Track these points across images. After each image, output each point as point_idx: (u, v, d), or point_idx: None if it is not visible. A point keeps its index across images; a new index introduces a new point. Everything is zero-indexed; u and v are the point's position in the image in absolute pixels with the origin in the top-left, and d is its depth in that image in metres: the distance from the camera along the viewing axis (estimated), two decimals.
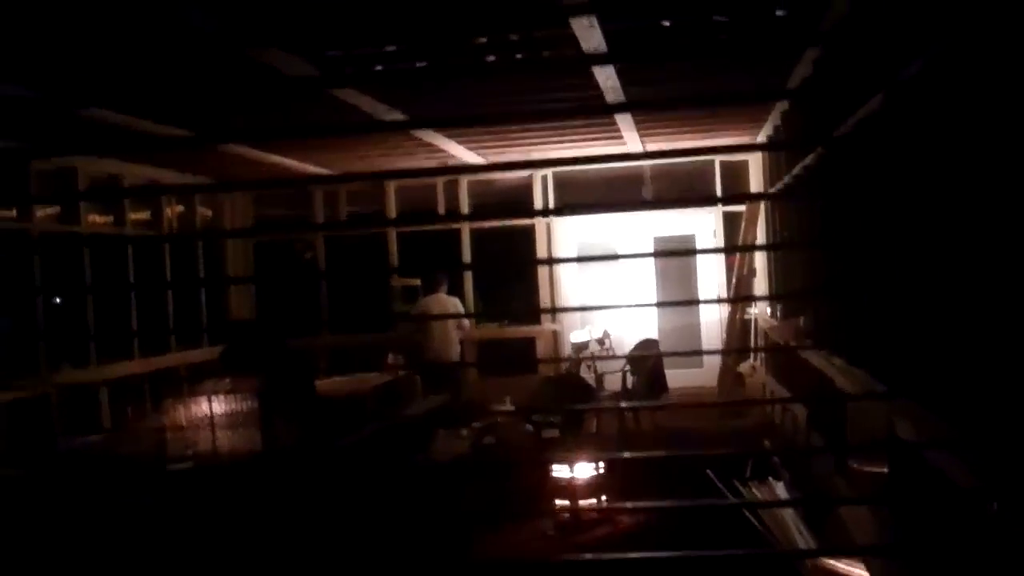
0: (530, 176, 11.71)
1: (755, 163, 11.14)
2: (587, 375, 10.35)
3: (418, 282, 11.31)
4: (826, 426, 6.44)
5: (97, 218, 9.42)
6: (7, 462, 7.18)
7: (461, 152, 10.17)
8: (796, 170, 8.16)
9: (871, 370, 4.84)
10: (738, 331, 11.26)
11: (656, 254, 12.61)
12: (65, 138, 7.76)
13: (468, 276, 11.68)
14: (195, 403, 6.41)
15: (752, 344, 11.13)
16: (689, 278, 12.13)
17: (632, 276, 11.83)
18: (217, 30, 5.05)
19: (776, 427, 8.90)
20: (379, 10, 5.22)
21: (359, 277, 12.72)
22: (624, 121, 8.80)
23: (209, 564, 5.11)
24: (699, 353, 11.88)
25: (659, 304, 11.70)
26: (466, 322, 10.57)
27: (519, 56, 6.51)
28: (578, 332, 10.94)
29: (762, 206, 10.50)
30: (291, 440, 6.42)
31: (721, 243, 11.75)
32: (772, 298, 9.99)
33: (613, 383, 10.44)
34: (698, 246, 12.06)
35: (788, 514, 5.62)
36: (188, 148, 9.06)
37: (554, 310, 11.94)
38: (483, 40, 6.19)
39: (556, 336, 11.79)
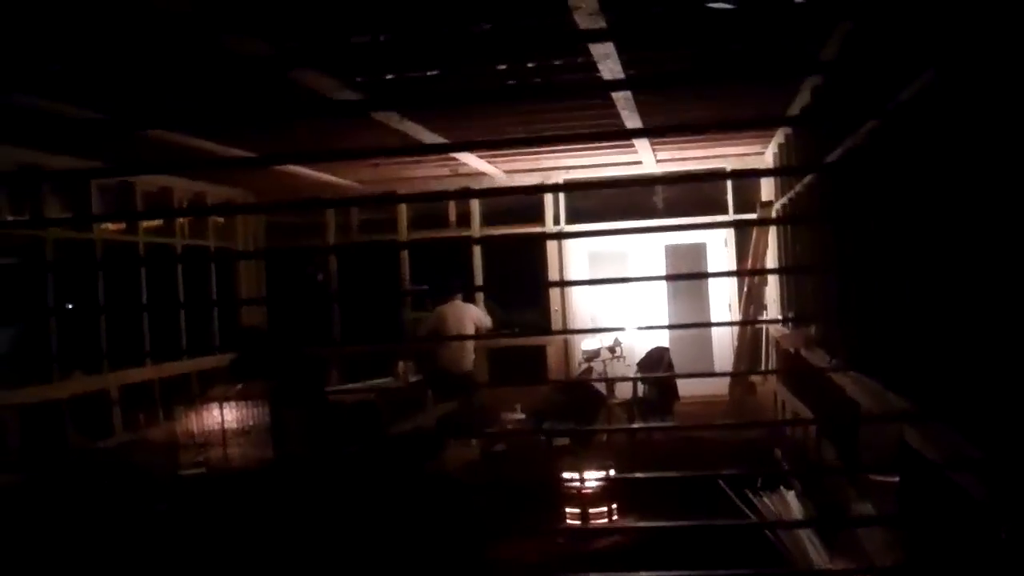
0: (541, 184, 11.72)
1: None
2: (597, 383, 10.34)
3: (426, 287, 11.32)
4: (837, 434, 6.43)
5: (109, 225, 9.45)
6: (19, 467, 7.21)
7: (473, 160, 10.20)
8: (798, 187, 8.25)
9: (883, 379, 4.83)
10: (749, 339, 11.23)
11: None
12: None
13: (480, 282, 11.69)
14: (207, 410, 6.42)
15: (763, 352, 11.10)
16: (700, 285, 12.11)
17: (643, 284, 11.84)
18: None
19: (786, 435, 8.87)
20: (410, 35, 5.59)
21: (371, 296, 12.76)
22: (639, 143, 8.88)
23: (220, 570, 5.12)
24: (715, 375, 11.86)
25: (671, 327, 11.67)
26: (486, 321, 10.52)
27: (537, 80, 6.68)
28: (589, 340, 10.93)
29: (773, 214, 10.48)
30: (302, 447, 6.42)
31: (732, 251, 11.75)
32: (787, 320, 9.96)
33: (624, 391, 10.42)
34: (709, 254, 12.04)
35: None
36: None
37: (567, 332, 11.90)
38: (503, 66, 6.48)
39: (567, 344, 11.79)
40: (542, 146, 9.55)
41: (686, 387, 10.54)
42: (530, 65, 6.43)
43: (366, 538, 5.35)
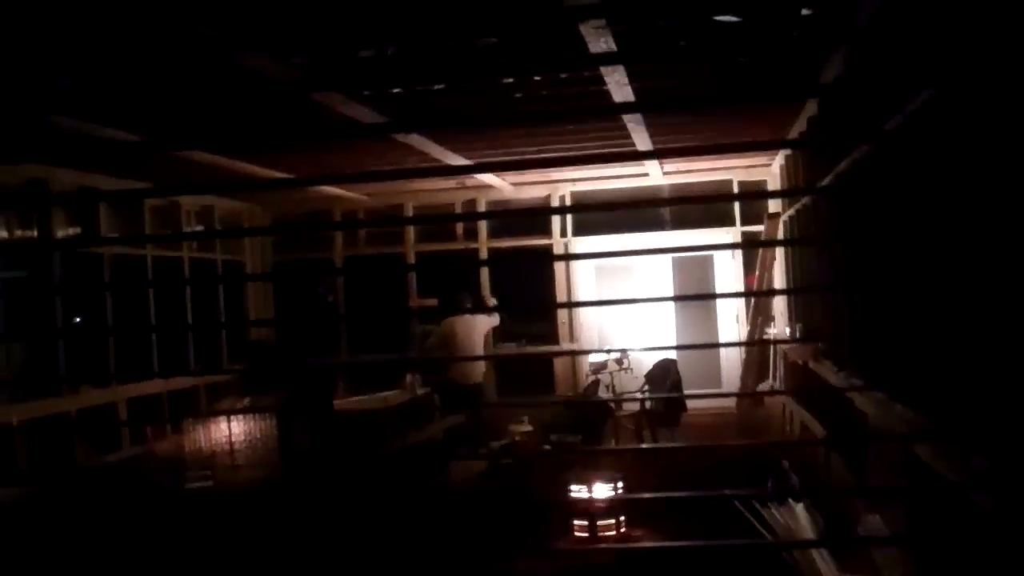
0: (548, 197, 11.74)
1: (773, 182, 11.13)
2: (605, 395, 10.33)
3: (435, 302, 11.32)
4: (845, 446, 6.42)
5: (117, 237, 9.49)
6: (28, 481, 7.22)
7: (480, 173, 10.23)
8: (805, 199, 8.30)
9: (891, 391, 4.83)
10: (757, 350, 11.21)
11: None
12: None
13: (487, 291, 11.68)
14: (214, 423, 6.43)
15: (771, 363, 11.08)
16: (708, 302, 12.11)
17: (650, 294, 11.83)
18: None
19: (795, 447, 8.84)
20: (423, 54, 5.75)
21: (378, 314, 12.77)
22: (644, 146, 8.91)
23: None
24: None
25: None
26: (494, 321, 10.51)
27: (544, 92, 6.75)
28: (597, 351, 10.92)
29: (780, 226, 10.48)
30: (309, 460, 6.43)
31: (739, 261, 11.73)
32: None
33: (631, 402, 10.40)
34: (716, 264, 12.02)
35: (808, 535, 5.59)
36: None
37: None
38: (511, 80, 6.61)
39: (574, 356, 11.77)
40: (556, 166, 9.67)
41: (693, 399, 10.53)
42: (537, 78, 6.49)
43: (373, 550, 5.35)
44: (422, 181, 11.00)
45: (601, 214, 11.91)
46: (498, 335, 11.37)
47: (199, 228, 10.90)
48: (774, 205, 11.01)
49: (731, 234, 11.61)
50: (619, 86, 6.14)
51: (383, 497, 6.01)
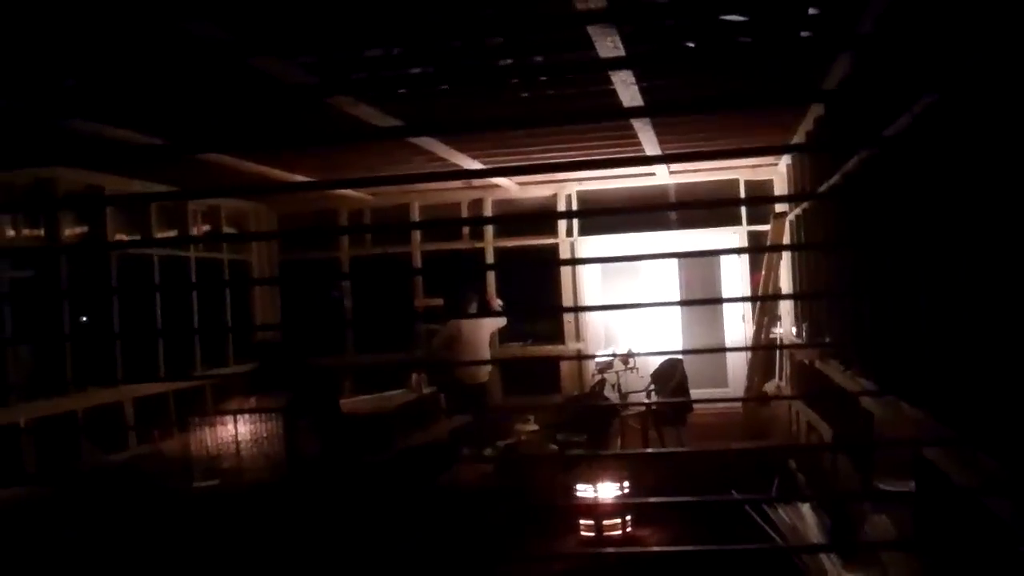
0: (554, 196, 11.74)
1: (780, 182, 11.12)
2: (611, 394, 10.31)
3: (441, 302, 11.33)
4: (852, 446, 6.40)
5: (123, 236, 9.48)
6: (34, 480, 7.23)
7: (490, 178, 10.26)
8: (804, 205, 8.32)
9: (899, 391, 4.81)
10: (763, 352, 11.19)
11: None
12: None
13: (492, 290, 11.67)
14: (220, 422, 6.43)
15: (777, 362, 11.06)
16: (714, 295, 12.08)
17: (656, 289, 11.85)
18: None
19: (801, 448, 8.83)
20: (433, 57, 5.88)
21: (386, 315, 12.80)
22: (651, 146, 8.94)
23: None
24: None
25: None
26: (500, 321, 10.53)
27: (551, 92, 6.77)
28: (602, 350, 10.91)
29: (787, 226, 10.46)
30: (316, 459, 6.43)
31: (746, 262, 11.71)
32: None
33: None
34: (722, 264, 12.01)
35: (814, 535, 5.58)
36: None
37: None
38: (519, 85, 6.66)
39: (580, 355, 11.77)
40: (564, 171, 9.73)
41: (699, 398, 10.52)
42: (543, 77, 6.53)
43: (379, 550, 5.34)
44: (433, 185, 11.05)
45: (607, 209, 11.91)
46: (504, 334, 11.38)
47: (206, 228, 10.91)
48: (781, 205, 10.98)
49: (737, 234, 11.58)
50: (625, 85, 6.15)
51: (389, 497, 6.02)
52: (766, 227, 11.15)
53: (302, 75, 5.47)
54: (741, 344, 11.58)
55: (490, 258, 11.88)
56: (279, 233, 12.49)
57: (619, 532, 6.77)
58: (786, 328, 10.97)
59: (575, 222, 11.83)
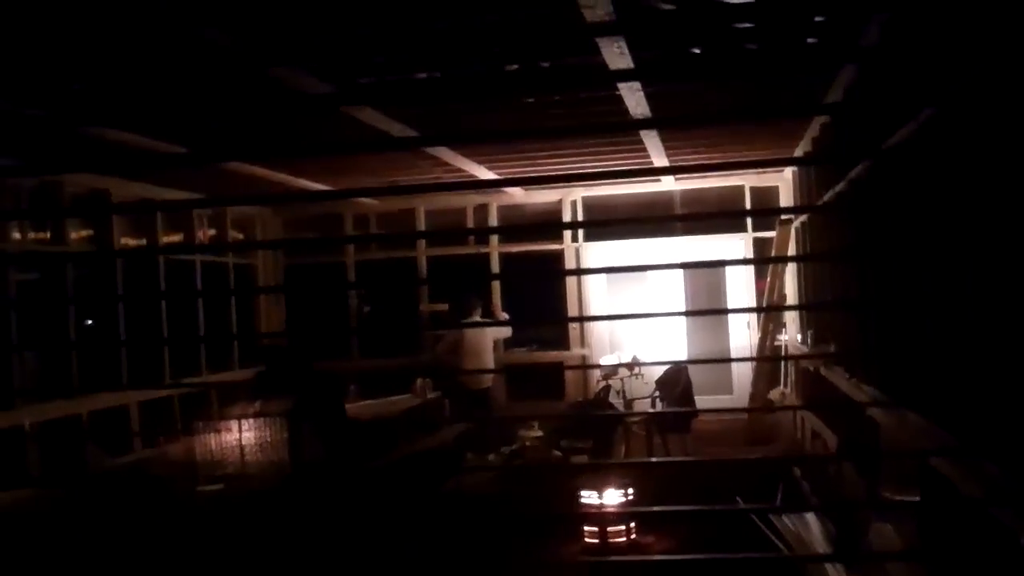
0: (560, 201, 11.74)
1: (785, 189, 11.12)
2: (616, 401, 10.31)
3: (446, 307, 11.34)
4: (857, 455, 6.39)
5: (129, 240, 9.51)
6: (38, 483, 7.24)
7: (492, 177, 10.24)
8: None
9: (903, 400, 4.81)
10: (768, 355, 11.18)
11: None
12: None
13: (498, 301, 11.68)
14: (225, 426, 6.44)
15: (783, 369, 11.06)
16: (719, 302, 12.07)
17: (661, 295, 11.84)
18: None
19: (806, 453, 8.82)
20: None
21: (393, 323, 12.82)
22: (658, 156, 8.96)
23: None
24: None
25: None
26: (505, 332, 10.54)
27: (557, 98, 6.80)
28: (607, 357, 10.90)
29: (792, 233, 10.46)
30: (321, 463, 6.43)
31: (751, 271, 11.70)
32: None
33: (642, 409, 10.37)
34: (727, 270, 11.99)
35: (819, 544, 5.57)
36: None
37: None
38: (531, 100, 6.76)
39: (585, 361, 11.76)
40: (572, 181, 9.77)
41: (704, 405, 10.50)
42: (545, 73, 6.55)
43: (383, 555, 5.34)
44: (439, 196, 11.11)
45: (612, 219, 11.91)
46: (509, 340, 11.41)
47: (212, 232, 10.92)
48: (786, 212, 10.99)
49: (743, 240, 11.58)
50: (631, 92, 6.16)
51: (393, 502, 6.02)
52: (772, 234, 11.14)
53: (314, 83, 5.49)
54: (746, 350, 11.58)
55: (495, 263, 11.88)
56: (286, 242, 12.53)
57: (623, 539, 6.75)
58: (791, 335, 10.96)
59: (580, 229, 11.83)
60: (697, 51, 5.86)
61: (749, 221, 11.51)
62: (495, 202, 11.80)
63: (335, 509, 5.64)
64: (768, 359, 10.92)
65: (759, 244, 11.48)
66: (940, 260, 4.00)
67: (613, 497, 6.90)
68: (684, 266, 11.30)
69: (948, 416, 3.94)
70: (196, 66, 5.26)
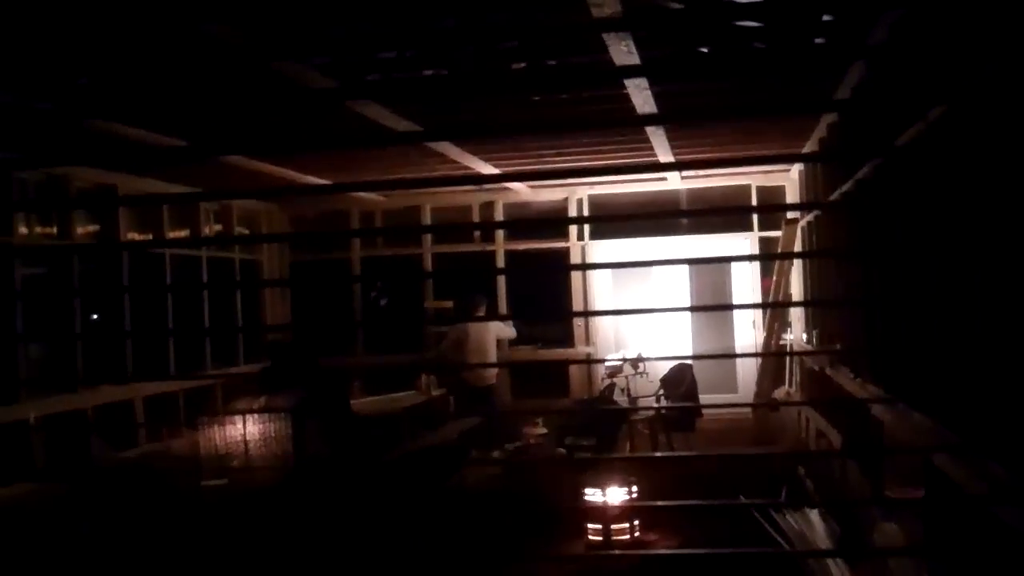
0: (566, 199, 11.74)
1: (791, 188, 11.11)
2: (620, 398, 10.30)
3: (451, 304, 11.34)
4: (861, 453, 6.39)
5: (136, 234, 9.52)
6: (43, 477, 7.26)
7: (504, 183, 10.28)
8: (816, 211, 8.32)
9: (908, 399, 4.81)
10: (773, 358, 11.16)
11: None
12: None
13: (503, 300, 11.68)
14: (230, 421, 6.45)
15: (787, 368, 11.04)
16: (724, 300, 12.07)
17: (666, 294, 11.84)
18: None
19: (810, 452, 8.80)
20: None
21: (396, 319, 12.84)
22: (664, 155, 8.97)
23: None
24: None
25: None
26: (509, 332, 10.54)
27: (564, 96, 6.83)
28: (612, 355, 10.90)
29: (798, 232, 10.45)
30: (325, 459, 6.43)
31: (756, 267, 11.70)
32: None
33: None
34: (733, 269, 11.99)
35: (823, 542, 5.56)
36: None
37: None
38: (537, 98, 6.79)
39: (590, 359, 11.76)
40: (577, 177, 9.76)
41: (709, 403, 10.49)
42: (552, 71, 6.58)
43: (385, 551, 5.35)
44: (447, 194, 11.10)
45: (618, 219, 11.92)
46: (513, 340, 11.40)
47: (218, 227, 10.94)
48: (792, 211, 10.97)
49: (748, 239, 11.57)
50: (639, 90, 6.16)
51: (396, 498, 6.02)
52: (778, 233, 11.13)
53: (318, 78, 5.49)
54: (751, 349, 11.56)
55: (501, 261, 11.88)
56: (292, 235, 12.53)
57: (627, 536, 6.75)
58: (796, 334, 10.95)
59: (586, 226, 11.83)
60: (705, 50, 5.87)
61: (755, 220, 11.50)
62: (500, 200, 11.79)
63: (339, 505, 5.65)
64: (773, 355, 10.91)
65: (765, 243, 11.47)
66: (947, 259, 3.99)
67: (617, 495, 6.89)
68: (690, 262, 11.27)
69: (953, 415, 3.94)
70: (201, 61, 5.26)
